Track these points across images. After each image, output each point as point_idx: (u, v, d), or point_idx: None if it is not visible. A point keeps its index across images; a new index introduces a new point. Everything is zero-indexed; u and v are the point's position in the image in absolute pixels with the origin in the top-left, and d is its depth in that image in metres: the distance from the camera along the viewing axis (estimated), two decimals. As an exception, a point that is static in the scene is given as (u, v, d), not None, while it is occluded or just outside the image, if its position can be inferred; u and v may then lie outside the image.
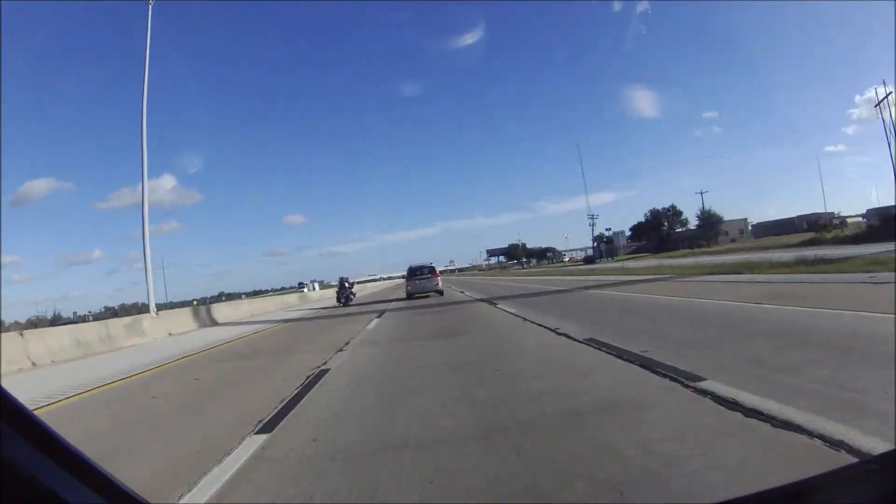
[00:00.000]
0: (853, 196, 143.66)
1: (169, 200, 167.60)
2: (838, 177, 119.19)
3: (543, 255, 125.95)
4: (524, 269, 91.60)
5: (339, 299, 21.24)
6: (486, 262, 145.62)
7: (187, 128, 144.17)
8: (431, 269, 19.78)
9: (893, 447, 2.14)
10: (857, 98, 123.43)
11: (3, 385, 0.68)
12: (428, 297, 18.89)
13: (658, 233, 76.38)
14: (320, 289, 60.40)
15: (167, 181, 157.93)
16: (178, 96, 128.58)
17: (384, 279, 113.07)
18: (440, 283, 19.54)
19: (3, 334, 9.76)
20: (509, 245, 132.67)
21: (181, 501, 2.34)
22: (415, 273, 19.67)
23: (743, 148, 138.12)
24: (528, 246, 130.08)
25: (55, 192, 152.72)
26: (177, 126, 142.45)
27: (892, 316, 4.67)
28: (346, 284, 21.73)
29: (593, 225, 75.33)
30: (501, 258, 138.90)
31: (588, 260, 70.53)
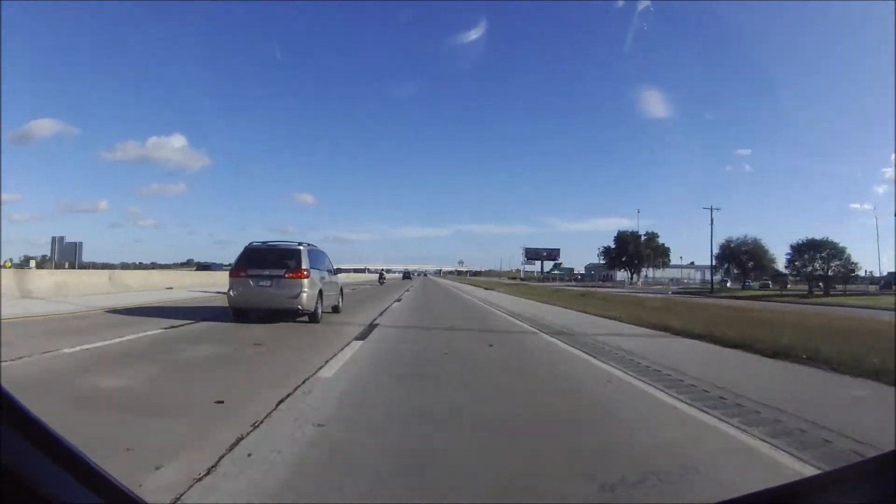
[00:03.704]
0: (862, 257, 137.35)
1: (176, 160, 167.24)
2: (850, 236, 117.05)
3: (745, 269, 51.62)
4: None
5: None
6: (524, 268, 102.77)
7: (205, 92, 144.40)
8: (293, 258, 8.84)
9: (893, 448, 2.14)
10: (894, 157, 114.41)
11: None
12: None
13: None
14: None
15: (177, 140, 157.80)
16: (202, 67, 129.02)
17: (386, 271, 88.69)
18: (308, 295, 8.59)
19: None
20: (619, 234, 67.46)
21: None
22: (252, 262, 8.89)
23: (769, 188, 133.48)
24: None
25: (60, 134, 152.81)
26: (195, 89, 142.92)
27: None
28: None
29: None
30: (600, 263, 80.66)
31: None
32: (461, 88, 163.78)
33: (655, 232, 67.43)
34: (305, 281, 8.66)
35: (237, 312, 8.99)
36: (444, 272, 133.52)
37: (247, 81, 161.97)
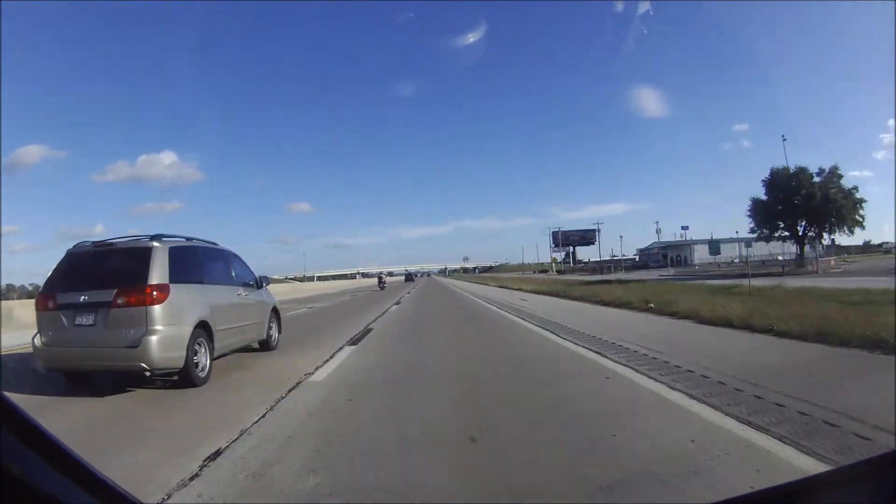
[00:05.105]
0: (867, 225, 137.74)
1: (168, 177, 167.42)
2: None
3: None
4: None
5: None
6: (557, 260, 79.06)
7: (193, 103, 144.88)
8: (135, 265, 4.64)
9: (894, 447, 2.14)
10: (891, 122, 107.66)
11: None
12: None
13: None
14: None
15: (167, 157, 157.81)
16: (187, 78, 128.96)
17: (388, 274, 61.50)
18: (164, 337, 4.42)
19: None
20: (773, 173, 31.02)
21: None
22: (68, 278, 4.78)
23: (769, 162, 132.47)
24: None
25: (48, 160, 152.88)
26: (183, 105, 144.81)
27: None
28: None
29: None
30: (653, 249, 67.20)
31: None
32: (457, 88, 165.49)
33: (837, 167, 31.20)
34: (157, 309, 4.52)
35: (68, 375, 4.93)
36: (449, 271, 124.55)
37: (234, 89, 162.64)
